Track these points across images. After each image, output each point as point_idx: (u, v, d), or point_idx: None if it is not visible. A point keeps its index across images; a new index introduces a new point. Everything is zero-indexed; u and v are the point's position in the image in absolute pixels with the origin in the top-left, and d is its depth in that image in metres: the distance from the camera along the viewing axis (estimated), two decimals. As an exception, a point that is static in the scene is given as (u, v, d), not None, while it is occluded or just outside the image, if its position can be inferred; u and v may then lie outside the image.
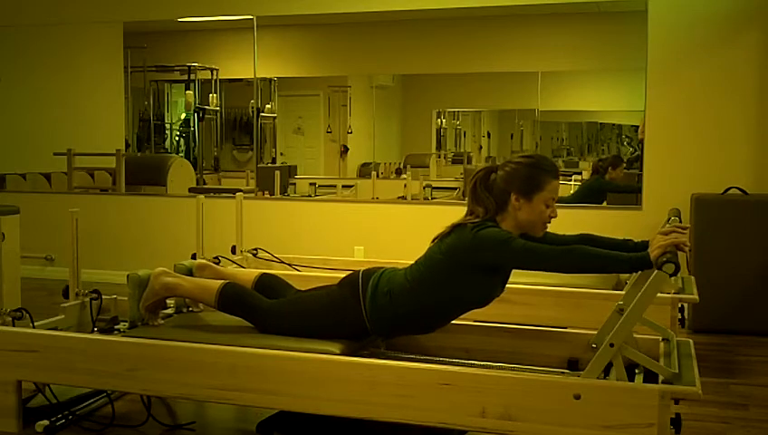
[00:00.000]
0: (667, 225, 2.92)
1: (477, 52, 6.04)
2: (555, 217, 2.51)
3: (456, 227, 2.50)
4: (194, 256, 3.95)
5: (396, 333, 2.68)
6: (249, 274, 2.94)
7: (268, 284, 2.84)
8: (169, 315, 2.93)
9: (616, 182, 5.48)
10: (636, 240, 2.52)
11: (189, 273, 2.94)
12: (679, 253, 2.23)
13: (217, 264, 4.06)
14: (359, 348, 2.62)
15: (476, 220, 2.48)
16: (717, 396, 3.28)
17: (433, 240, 2.56)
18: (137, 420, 2.83)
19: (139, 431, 2.78)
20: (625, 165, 5.58)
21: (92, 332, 3.00)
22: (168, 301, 2.91)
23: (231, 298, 2.69)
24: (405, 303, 2.52)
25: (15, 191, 6.34)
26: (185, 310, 3.01)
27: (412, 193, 5.94)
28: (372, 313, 2.54)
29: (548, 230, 2.58)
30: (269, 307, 2.66)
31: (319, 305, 2.63)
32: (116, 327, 2.95)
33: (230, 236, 4.28)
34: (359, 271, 2.64)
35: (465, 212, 2.56)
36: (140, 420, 2.82)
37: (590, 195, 5.35)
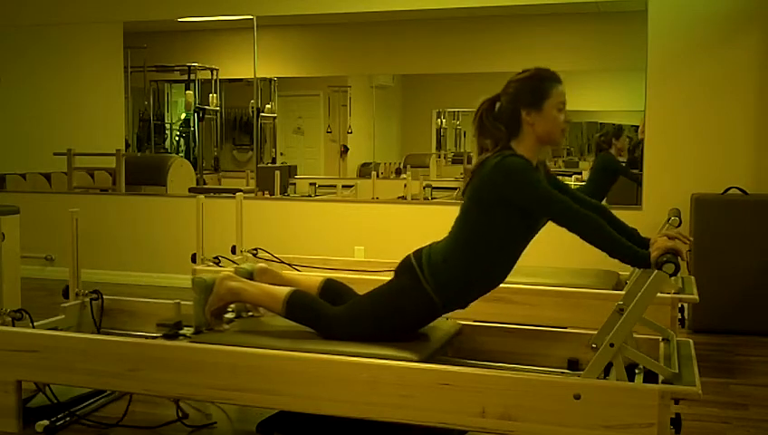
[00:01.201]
0: (668, 225, 2.93)
1: (477, 52, 6.04)
2: (569, 121, 2.49)
3: (475, 170, 2.47)
4: (194, 256, 3.96)
5: (467, 297, 2.59)
6: (312, 279, 2.85)
7: (333, 289, 2.76)
8: (231, 320, 2.84)
9: (623, 154, 5.34)
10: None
11: (250, 277, 2.85)
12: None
13: (217, 264, 4.08)
14: (429, 357, 2.52)
15: (495, 153, 2.44)
16: (717, 396, 3.28)
17: (462, 193, 2.52)
18: (138, 420, 2.83)
19: (140, 431, 2.78)
20: (627, 133, 5.44)
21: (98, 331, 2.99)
22: (229, 306, 2.82)
23: (299, 306, 2.62)
24: (462, 263, 2.47)
25: (15, 191, 6.34)
26: (244, 314, 2.91)
27: (412, 193, 5.95)
28: (437, 287, 2.48)
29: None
30: (336, 315, 2.59)
31: (384, 300, 2.56)
32: (180, 333, 2.86)
33: (230, 236, 4.28)
34: (407, 256, 2.59)
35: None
36: (141, 420, 2.82)
37: (600, 175, 5.26)
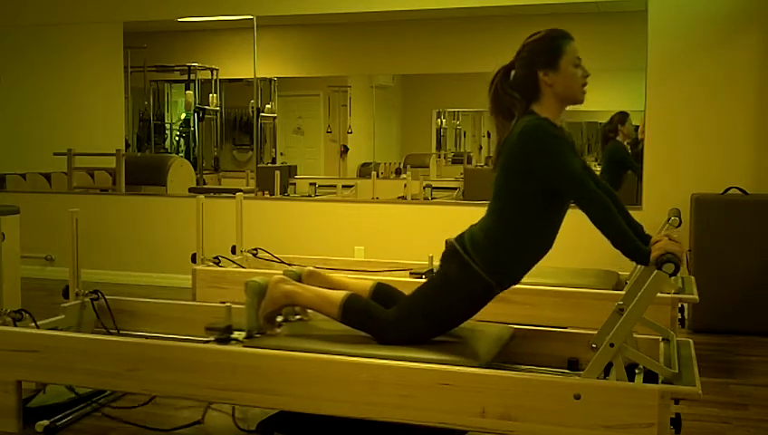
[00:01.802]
0: (668, 225, 2.92)
1: (477, 52, 6.04)
2: (588, 75, 2.46)
3: (503, 142, 2.45)
4: (194, 256, 3.96)
5: (517, 270, 2.53)
6: (362, 283, 2.80)
7: (385, 293, 2.72)
8: (280, 324, 2.78)
9: (631, 139, 5.26)
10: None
11: (298, 279, 2.79)
12: None
13: (217, 264, 4.09)
14: (493, 360, 2.49)
15: (518, 119, 2.42)
16: (717, 396, 3.28)
17: (493, 167, 2.49)
18: (139, 420, 2.83)
19: (141, 432, 2.78)
20: (631, 119, 5.35)
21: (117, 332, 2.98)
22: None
23: (355, 310, 2.58)
24: (504, 236, 2.44)
25: (15, 191, 6.34)
26: (291, 318, 2.86)
27: (412, 193, 5.94)
28: (485, 265, 2.44)
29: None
30: (391, 317, 2.54)
31: (436, 291, 2.52)
32: (232, 337, 2.77)
33: (230, 236, 4.29)
34: (450, 243, 2.54)
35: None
36: (142, 420, 2.82)
37: (612, 167, 5.21)
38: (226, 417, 2.90)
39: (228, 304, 2.88)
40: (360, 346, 2.48)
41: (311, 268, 2.88)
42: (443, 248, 2.56)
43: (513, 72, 2.50)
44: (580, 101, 2.50)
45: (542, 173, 2.36)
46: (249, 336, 2.65)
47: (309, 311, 2.83)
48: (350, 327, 2.60)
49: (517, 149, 2.39)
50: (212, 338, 2.73)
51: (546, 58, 2.43)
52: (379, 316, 2.55)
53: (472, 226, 2.54)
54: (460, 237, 2.52)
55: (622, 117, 5.34)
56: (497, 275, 2.47)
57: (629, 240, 2.27)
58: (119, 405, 2.95)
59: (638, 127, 5.25)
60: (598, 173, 5.42)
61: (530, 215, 2.44)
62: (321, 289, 2.69)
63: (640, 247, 2.26)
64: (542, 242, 2.51)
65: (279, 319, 2.78)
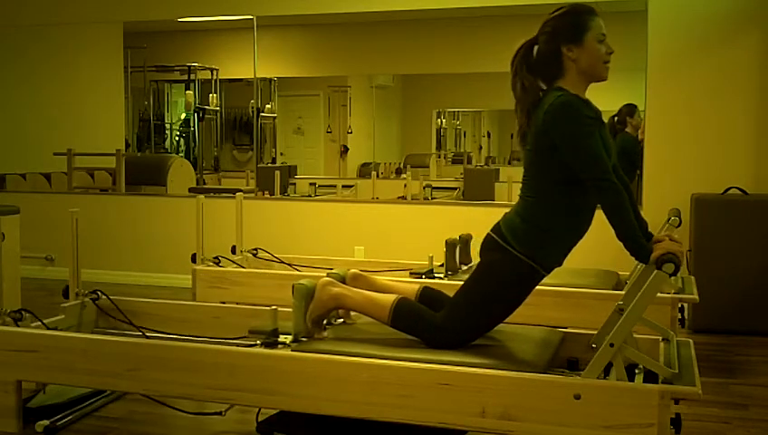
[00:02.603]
0: (668, 225, 2.92)
1: (477, 52, 6.04)
2: (612, 51, 2.44)
3: (530, 123, 2.41)
4: (194, 256, 3.96)
5: (558, 250, 2.48)
6: (408, 286, 2.74)
7: (431, 297, 2.66)
8: (325, 328, 2.70)
9: (639, 130, 5.21)
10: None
11: (343, 282, 2.73)
12: None
13: (217, 264, 4.08)
14: (546, 366, 2.43)
15: (546, 92, 2.40)
16: (717, 396, 3.28)
17: (521, 141, 2.46)
18: (140, 419, 2.83)
19: (141, 432, 2.78)
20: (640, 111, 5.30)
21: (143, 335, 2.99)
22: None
23: (405, 314, 2.52)
24: (540, 216, 2.41)
25: (15, 191, 6.34)
26: (334, 322, 2.78)
27: (412, 193, 5.95)
28: (526, 249, 2.40)
29: None
30: (443, 321, 2.49)
31: (480, 287, 2.48)
32: (279, 341, 2.69)
33: (230, 236, 4.29)
34: (487, 234, 2.50)
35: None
36: (142, 420, 2.82)
37: (626, 159, 5.15)
38: (234, 421, 2.90)
39: (274, 307, 2.82)
40: (406, 350, 2.43)
41: (355, 271, 2.80)
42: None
43: (536, 48, 2.47)
44: (604, 78, 2.47)
45: (565, 151, 2.32)
46: (296, 340, 2.57)
47: (352, 314, 2.78)
48: (400, 331, 2.54)
49: (543, 126, 2.36)
50: (257, 342, 2.65)
51: (570, 33, 2.42)
52: (429, 320, 2.50)
53: (506, 213, 2.50)
54: (496, 227, 2.48)
55: (630, 109, 5.32)
56: (539, 258, 2.43)
57: (635, 236, 2.26)
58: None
59: (642, 120, 5.23)
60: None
61: (561, 194, 2.40)
62: (369, 292, 2.64)
63: (643, 245, 2.26)
64: (577, 221, 2.46)
65: (323, 322, 2.71)
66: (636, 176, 5.13)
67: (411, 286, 2.72)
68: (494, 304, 2.48)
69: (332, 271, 2.81)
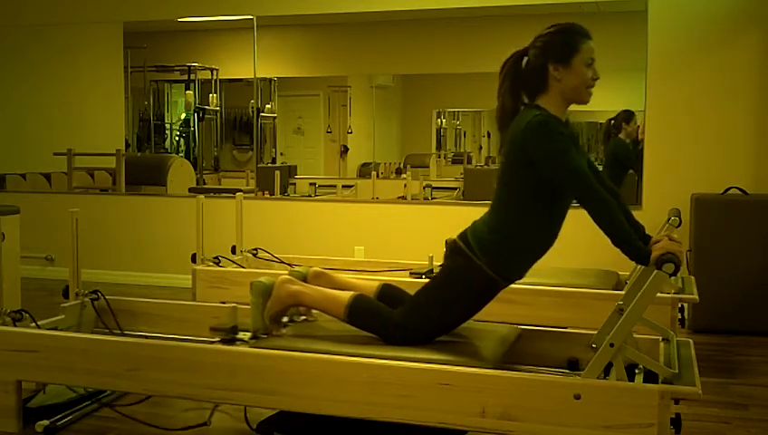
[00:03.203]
0: (668, 225, 2.92)
1: (477, 52, 6.04)
2: (598, 78, 2.45)
3: (507, 137, 2.43)
4: (194, 256, 3.96)
5: (520, 264, 2.52)
6: (368, 284, 2.79)
7: (390, 294, 2.69)
8: (285, 324, 2.77)
9: (633, 138, 5.24)
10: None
11: (304, 280, 2.77)
12: None
13: (217, 264, 4.08)
14: (501, 360, 2.49)
15: (524, 113, 2.41)
16: (717, 396, 3.28)
17: (499, 153, 2.48)
18: (140, 420, 2.83)
19: (141, 432, 2.78)
20: (636, 118, 5.32)
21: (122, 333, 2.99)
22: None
23: (361, 311, 2.56)
24: (507, 229, 2.43)
25: (15, 191, 6.34)
26: (296, 319, 2.84)
27: (412, 193, 5.94)
28: (488, 260, 2.43)
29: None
30: (398, 317, 2.52)
31: (440, 290, 2.51)
32: (237, 338, 2.74)
33: (230, 236, 4.29)
34: (453, 240, 2.52)
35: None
36: (143, 421, 2.82)
37: (614, 163, 5.22)
38: (234, 420, 2.90)
39: (234, 304, 2.87)
40: (365, 347, 2.47)
41: (317, 269, 2.85)
42: (443, 248, 2.56)
43: (525, 59, 2.48)
44: (585, 103, 2.48)
45: (546, 169, 2.34)
46: (255, 337, 2.63)
47: (314, 311, 2.81)
48: (357, 328, 2.58)
49: (521, 142, 2.36)
50: (217, 338, 2.70)
51: (559, 52, 2.42)
52: (386, 317, 2.53)
53: (474, 221, 2.53)
54: (463, 234, 2.51)
55: (628, 115, 5.33)
56: (501, 270, 2.46)
57: (631, 240, 2.26)
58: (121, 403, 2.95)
59: (638, 127, 5.25)
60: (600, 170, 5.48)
61: (532, 208, 2.42)
62: (327, 289, 2.67)
63: (641, 247, 2.26)
64: (545, 236, 2.49)
65: (285, 320, 2.77)
66: (624, 179, 5.14)
67: (372, 284, 2.76)
68: (452, 310, 2.50)
69: (294, 269, 2.85)
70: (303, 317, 2.85)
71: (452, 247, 2.51)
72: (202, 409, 2.92)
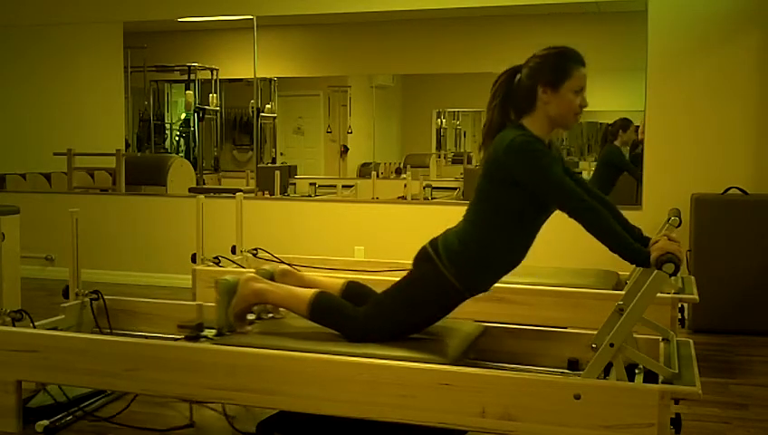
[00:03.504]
0: (668, 225, 2.92)
1: (477, 52, 6.04)
2: (586, 106, 2.45)
3: (488, 144, 2.45)
4: (194, 256, 3.96)
5: (487, 279, 2.54)
6: (334, 281, 2.82)
7: (355, 291, 2.73)
8: (251, 322, 2.81)
9: (629, 146, 5.28)
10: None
11: (271, 278, 2.82)
12: None
13: (217, 264, 4.08)
14: (459, 357, 2.51)
15: (507, 130, 2.41)
16: (717, 396, 3.28)
17: (480, 163, 2.49)
18: (140, 420, 2.83)
19: (140, 432, 2.78)
20: (635, 126, 5.35)
21: (111, 332, 2.98)
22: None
23: (323, 308, 2.60)
24: (477, 243, 2.45)
25: (15, 191, 6.34)
26: (264, 316, 2.89)
27: (412, 193, 5.94)
28: (456, 271, 2.45)
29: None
30: (361, 315, 2.56)
31: (405, 294, 2.54)
32: (202, 335, 2.83)
33: (230, 236, 4.28)
34: (424, 246, 2.56)
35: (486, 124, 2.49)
36: (142, 421, 2.82)
37: (606, 170, 5.25)
38: (219, 417, 2.90)
39: (199, 302, 2.91)
40: (328, 344, 2.50)
41: (284, 267, 2.92)
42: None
43: (518, 77, 2.49)
44: (569, 129, 2.53)
45: (530, 186, 2.35)
46: (219, 334, 2.69)
47: (282, 309, 2.85)
48: (320, 325, 2.62)
49: (503, 161, 2.37)
50: (182, 335, 2.80)
51: (551, 76, 2.42)
52: (348, 314, 2.57)
53: (447, 230, 2.55)
54: (434, 241, 2.54)
55: (625, 123, 5.36)
56: (467, 282, 2.49)
57: (627, 244, 2.26)
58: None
59: (638, 127, 5.25)
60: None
61: (506, 226, 2.45)
62: (291, 287, 2.72)
63: (639, 250, 2.26)
64: (515, 254, 2.52)
65: (252, 317, 2.82)
66: (615, 183, 5.17)
67: (338, 281, 2.80)
68: (414, 315, 2.53)
69: (262, 268, 2.91)
70: (271, 315, 2.90)
71: (421, 254, 2.55)
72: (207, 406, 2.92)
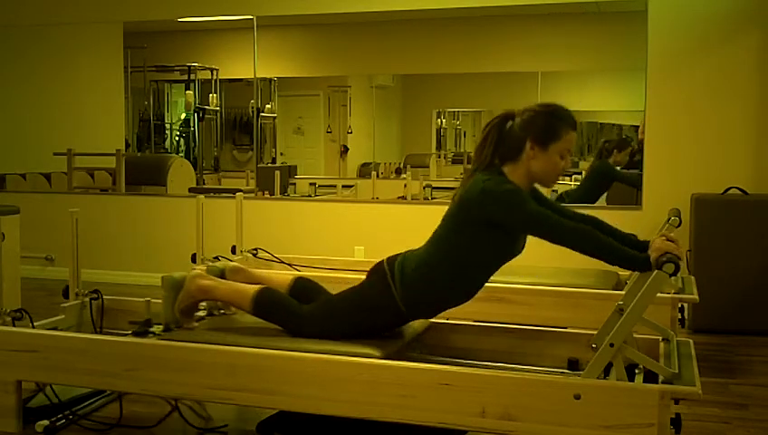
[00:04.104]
0: (668, 225, 2.92)
1: (477, 52, 6.04)
2: (569, 167, 2.48)
3: (466, 182, 2.47)
4: (194, 256, 3.96)
5: (433, 309, 2.61)
6: (283, 277, 2.87)
7: (303, 288, 2.78)
8: (202, 318, 2.87)
9: (621, 166, 5.40)
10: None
11: (222, 275, 2.88)
12: None
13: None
14: (398, 352, 2.55)
15: (486, 172, 2.44)
16: (717, 396, 3.28)
17: (453, 197, 2.52)
18: (137, 420, 2.83)
19: (138, 433, 2.78)
20: (631, 148, 5.46)
21: (99, 331, 2.99)
22: (200, 304, 2.86)
23: (266, 304, 2.65)
24: (433, 273, 2.48)
25: (15, 191, 6.34)
26: (216, 312, 2.95)
27: (412, 193, 5.94)
28: (405, 294, 2.50)
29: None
30: (304, 313, 2.61)
31: (350, 301, 2.59)
32: (150, 330, 2.87)
33: (230, 236, 4.28)
34: (381, 260, 2.60)
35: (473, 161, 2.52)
36: (141, 421, 2.82)
37: (595, 181, 5.30)
38: (220, 417, 2.90)
39: (147, 299, 3.02)
40: (271, 339, 2.55)
41: (235, 264, 2.99)
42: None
43: (510, 123, 2.50)
44: (548, 187, 2.55)
45: (505, 223, 2.39)
46: (166, 329, 2.74)
47: (233, 307, 2.89)
48: (264, 320, 2.67)
49: (477, 201, 2.39)
50: (129, 332, 2.84)
51: (541, 134, 2.43)
52: (291, 310, 2.63)
53: (408, 251, 2.58)
54: (392, 259, 2.57)
55: (622, 144, 5.50)
56: (411, 307, 2.53)
57: (622, 253, 2.28)
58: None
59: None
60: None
61: (464, 265, 2.48)
62: (237, 283, 2.78)
63: (634, 257, 2.27)
64: (466, 292, 2.58)
65: (202, 313, 2.88)
66: (604, 192, 5.31)
67: (287, 278, 2.85)
68: (355, 324, 2.57)
69: (213, 264, 2.98)
70: (222, 311, 2.96)
71: (377, 269, 2.59)
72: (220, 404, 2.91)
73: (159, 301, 2.84)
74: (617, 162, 5.42)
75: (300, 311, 2.62)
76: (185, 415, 2.87)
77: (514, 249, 2.51)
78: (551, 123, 2.43)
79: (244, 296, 2.68)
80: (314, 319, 2.59)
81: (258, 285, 2.72)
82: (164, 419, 2.85)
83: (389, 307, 2.53)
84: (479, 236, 2.42)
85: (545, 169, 2.45)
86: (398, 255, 2.59)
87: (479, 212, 2.39)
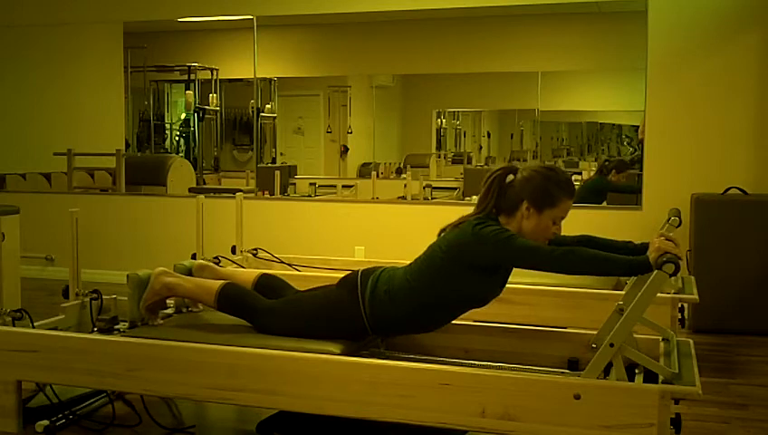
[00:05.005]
0: (668, 225, 2.92)
1: (477, 52, 6.04)
2: (559, 233, 2.51)
3: (459, 224, 2.50)
4: (194, 256, 3.95)
5: (395, 332, 2.68)
6: (249, 274, 2.93)
7: (268, 284, 2.83)
8: (169, 315, 2.93)
9: (616, 184, 5.50)
10: (636, 241, 2.51)
11: (189, 273, 2.95)
12: None
13: (217, 264, 4.07)
14: (358, 348, 2.62)
15: (480, 217, 2.47)
16: (717, 396, 3.28)
17: (439, 233, 2.55)
18: (136, 420, 2.83)
19: (138, 432, 2.78)
20: (630, 171, 5.55)
21: (93, 331, 2.99)
22: (167, 301, 2.91)
23: (230, 299, 2.70)
24: (405, 301, 2.51)
25: (15, 191, 6.34)
26: (184, 310, 3.01)
27: (412, 193, 5.95)
28: (372, 312, 2.53)
29: None
30: (268, 308, 2.66)
31: (317, 305, 2.63)
32: (116, 327, 2.95)
33: (230, 236, 4.28)
34: (358, 271, 2.64)
35: (468, 211, 2.55)
36: (139, 421, 2.82)
37: (589, 196, 5.34)
38: (220, 418, 2.91)
39: (114, 296, 3.07)
40: (236, 335, 2.60)
41: (202, 262, 3.06)
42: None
43: (510, 178, 2.52)
44: None
45: (495, 259, 2.42)
46: (132, 326, 2.79)
47: (200, 304, 2.93)
48: (229, 315, 2.72)
49: (468, 242, 2.42)
50: (96, 329, 2.91)
51: (538, 197, 2.45)
52: (255, 305, 2.67)
53: (384, 270, 2.60)
54: (367, 274, 2.59)
55: (620, 166, 5.61)
56: (375, 325, 2.56)
57: (617, 262, 2.28)
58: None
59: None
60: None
61: (443, 298, 2.51)
62: (201, 280, 2.83)
63: (632, 261, 2.27)
64: (433, 325, 2.63)
65: (170, 311, 2.94)
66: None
67: (252, 274, 2.90)
68: (317, 329, 2.59)
69: (180, 263, 3.03)
70: (190, 309, 3.01)
71: (350, 279, 2.61)
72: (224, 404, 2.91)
73: (125, 298, 2.88)
74: (614, 182, 5.54)
75: (264, 305, 2.66)
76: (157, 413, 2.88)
77: (489, 296, 2.56)
78: (549, 189, 2.45)
79: (209, 291, 2.72)
80: (278, 315, 2.63)
81: (222, 281, 2.76)
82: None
83: (353, 319, 2.56)
84: (461, 277, 2.45)
85: (535, 231, 2.47)
86: (375, 268, 2.62)
87: (469, 254, 2.43)
